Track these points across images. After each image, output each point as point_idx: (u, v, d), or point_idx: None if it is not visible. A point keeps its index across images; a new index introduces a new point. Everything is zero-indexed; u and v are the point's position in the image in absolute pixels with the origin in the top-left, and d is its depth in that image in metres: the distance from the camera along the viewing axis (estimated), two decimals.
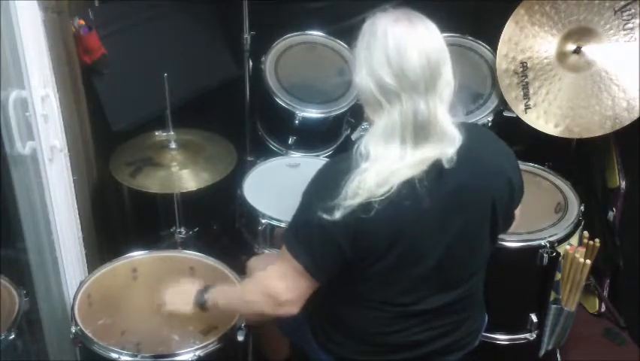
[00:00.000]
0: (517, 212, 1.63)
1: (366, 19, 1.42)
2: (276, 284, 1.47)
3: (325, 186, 1.41)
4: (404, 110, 1.34)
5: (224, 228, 2.88)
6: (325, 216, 1.36)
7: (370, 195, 1.34)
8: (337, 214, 1.35)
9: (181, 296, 1.71)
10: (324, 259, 1.43)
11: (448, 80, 1.38)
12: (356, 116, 2.60)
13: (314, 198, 1.42)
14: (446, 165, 1.38)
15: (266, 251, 2.22)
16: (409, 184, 1.36)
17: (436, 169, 1.39)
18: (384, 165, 1.35)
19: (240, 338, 1.76)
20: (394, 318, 1.53)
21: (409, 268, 1.47)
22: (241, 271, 1.99)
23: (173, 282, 1.78)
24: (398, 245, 1.41)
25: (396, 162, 1.36)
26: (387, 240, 1.41)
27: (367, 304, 1.53)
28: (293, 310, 1.48)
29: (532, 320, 2.20)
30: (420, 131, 1.36)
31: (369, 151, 1.37)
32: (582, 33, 2.40)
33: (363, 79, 1.37)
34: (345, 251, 1.40)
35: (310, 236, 1.42)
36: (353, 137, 2.55)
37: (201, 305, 1.67)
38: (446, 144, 1.37)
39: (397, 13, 1.39)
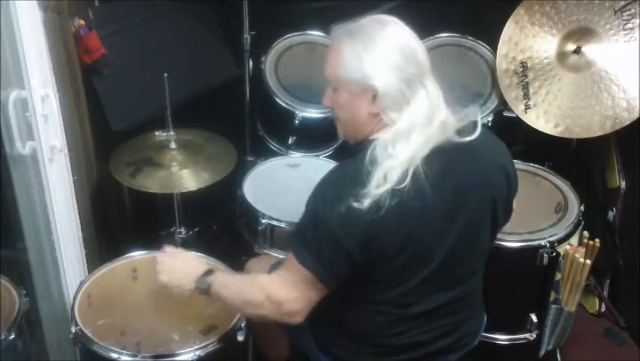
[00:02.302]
0: (514, 204, 1.64)
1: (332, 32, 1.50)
2: (282, 292, 1.45)
3: (337, 184, 1.42)
4: (429, 92, 1.41)
5: (224, 228, 2.87)
6: (354, 204, 1.33)
7: (393, 185, 1.34)
8: (366, 202, 1.33)
9: (182, 274, 1.64)
10: (334, 263, 1.40)
11: None
12: None
13: (321, 200, 1.40)
14: (454, 136, 1.42)
15: (266, 251, 2.22)
16: (417, 183, 1.36)
17: (441, 162, 1.40)
18: (407, 155, 1.37)
19: (240, 338, 1.76)
20: (397, 320, 1.53)
21: (417, 270, 1.47)
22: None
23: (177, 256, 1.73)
24: (408, 247, 1.41)
25: (416, 147, 1.38)
26: (398, 243, 1.40)
27: (371, 307, 1.53)
28: (299, 319, 1.47)
29: (532, 320, 2.20)
30: (434, 110, 1.41)
31: (389, 150, 1.38)
32: (582, 33, 2.40)
33: (386, 79, 1.39)
34: (354, 255, 1.39)
35: (319, 241, 1.39)
36: None
37: (203, 290, 1.58)
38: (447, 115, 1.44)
39: (370, 18, 1.47)
